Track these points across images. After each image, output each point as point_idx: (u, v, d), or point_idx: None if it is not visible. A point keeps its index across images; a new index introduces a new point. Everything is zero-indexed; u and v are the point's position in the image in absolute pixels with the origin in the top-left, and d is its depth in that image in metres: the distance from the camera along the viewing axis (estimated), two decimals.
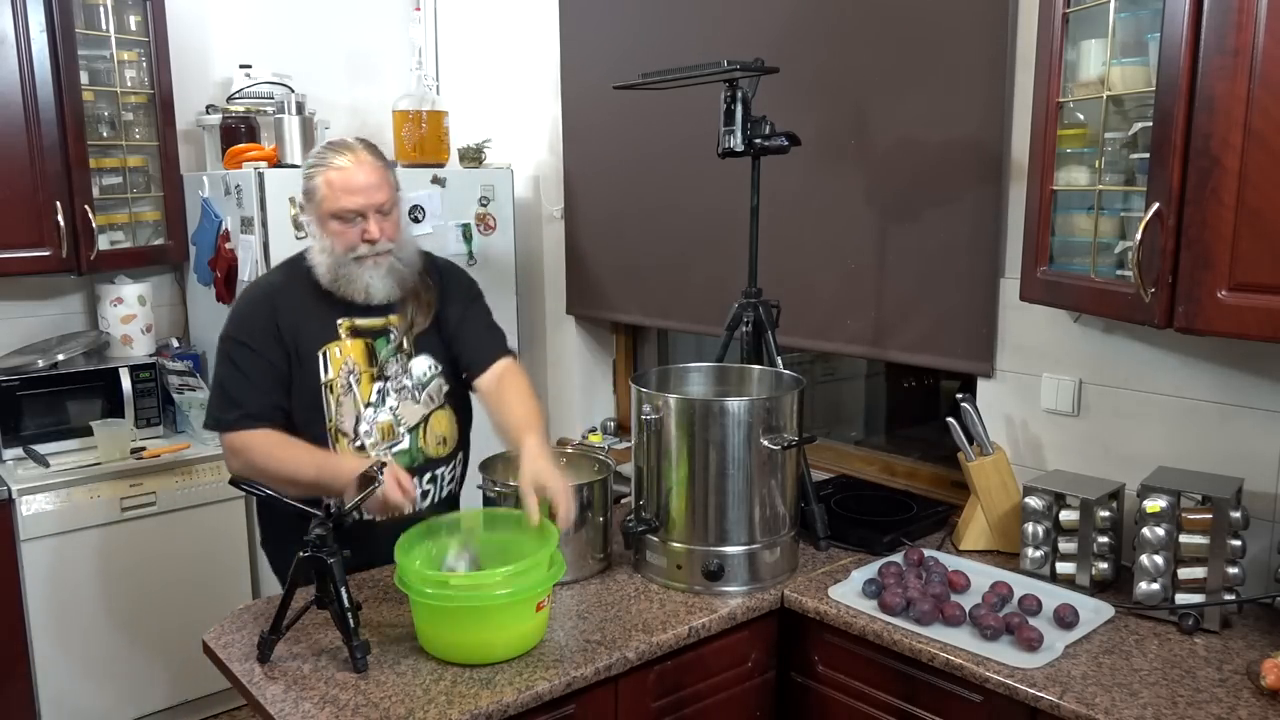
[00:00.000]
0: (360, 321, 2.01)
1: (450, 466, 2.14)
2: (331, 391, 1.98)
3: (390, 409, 2.02)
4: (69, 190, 2.96)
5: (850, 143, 2.52)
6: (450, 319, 2.10)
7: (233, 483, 1.79)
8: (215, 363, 2.01)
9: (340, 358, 1.98)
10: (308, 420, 1.98)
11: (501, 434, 2.01)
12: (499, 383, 2.07)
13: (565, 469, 2.09)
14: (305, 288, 2.00)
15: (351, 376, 1.99)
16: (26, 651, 2.85)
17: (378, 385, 2.01)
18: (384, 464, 1.76)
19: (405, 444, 2.04)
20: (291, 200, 2.94)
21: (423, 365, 2.06)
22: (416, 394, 2.05)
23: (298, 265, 2.04)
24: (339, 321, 1.99)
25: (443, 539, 1.82)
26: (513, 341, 3.45)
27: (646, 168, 3.09)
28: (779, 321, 2.29)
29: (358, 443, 1.99)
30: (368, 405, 2.00)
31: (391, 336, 2.03)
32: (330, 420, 1.98)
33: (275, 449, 1.91)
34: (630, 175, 3.15)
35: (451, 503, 2.17)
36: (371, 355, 2.01)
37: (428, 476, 2.07)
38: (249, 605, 1.93)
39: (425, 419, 2.06)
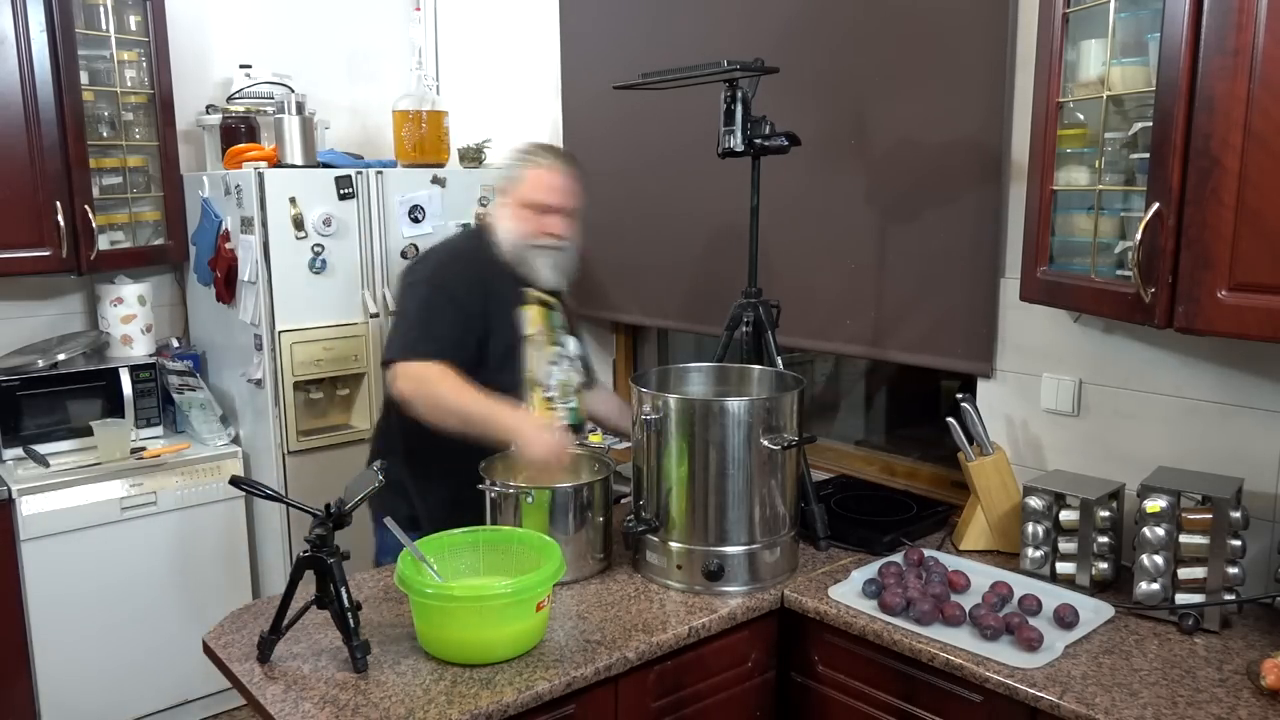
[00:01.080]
0: (539, 293, 2.28)
1: (582, 437, 2.46)
2: (531, 344, 2.23)
3: (564, 370, 2.31)
4: (69, 190, 2.96)
5: (850, 143, 2.52)
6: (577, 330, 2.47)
7: (233, 482, 1.79)
8: (407, 303, 2.19)
9: (534, 317, 2.25)
10: (502, 369, 2.18)
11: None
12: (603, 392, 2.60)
13: (565, 469, 2.09)
14: (490, 256, 2.23)
15: (541, 335, 2.25)
16: (26, 651, 2.86)
17: (554, 349, 2.30)
18: (386, 465, 1.76)
19: (574, 402, 2.34)
20: (292, 200, 2.94)
21: (574, 343, 2.39)
22: (575, 364, 2.37)
23: (479, 237, 2.30)
24: (525, 289, 2.25)
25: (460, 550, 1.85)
26: None
27: (646, 168, 3.09)
28: (779, 321, 2.29)
29: (548, 393, 2.26)
30: (551, 363, 2.28)
31: (557, 312, 2.33)
32: (529, 370, 2.23)
33: (459, 383, 2.05)
34: (630, 175, 3.15)
35: None
36: (548, 321, 2.29)
37: (578, 439, 2.37)
38: (249, 605, 1.93)
39: (579, 388, 2.37)
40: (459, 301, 2.14)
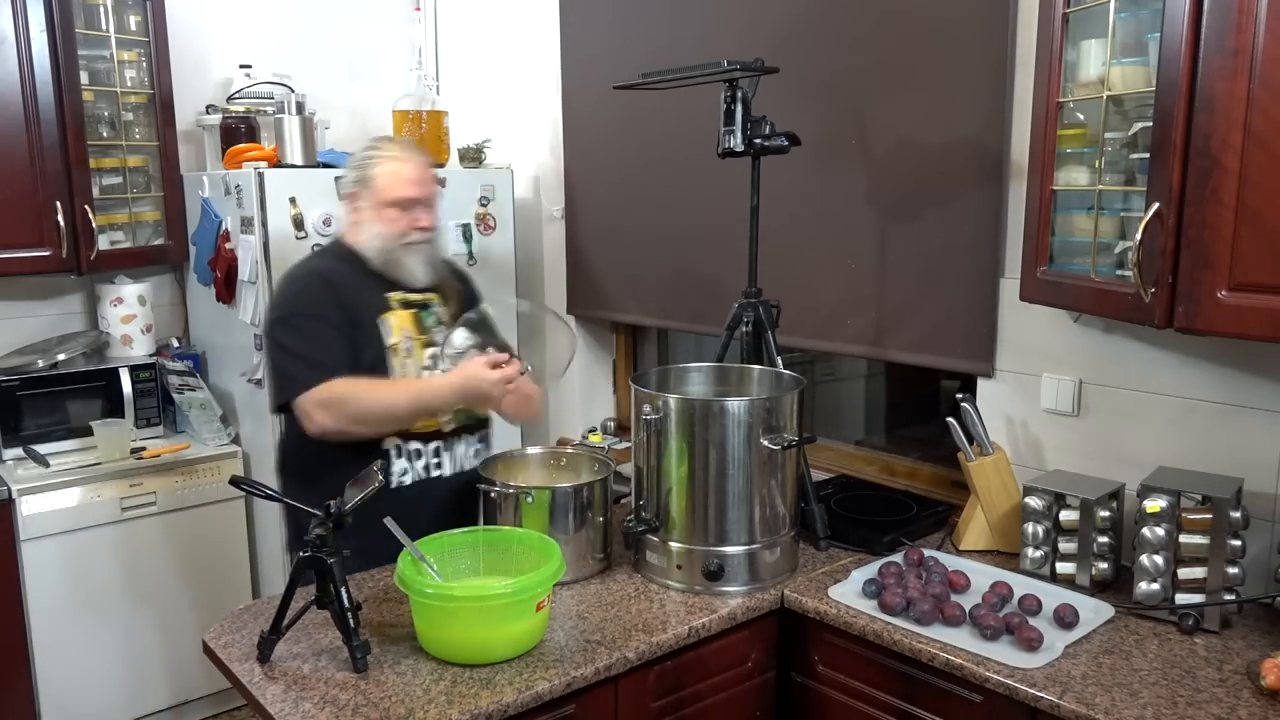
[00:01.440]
0: (407, 295, 2.17)
1: (486, 430, 2.30)
2: (395, 354, 2.12)
3: (442, 371, 2.16)
4: (69, 190, 2.96)
5: (850, 143, 2.52)
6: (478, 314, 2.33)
7: (232, 482, 1.79)
8: (277, 341, 2.08)
9: (398, 324, 2.13)
10: None
11: None
12: None
13: (565, 469, 2.09)
14: (349, 268, 2.15)
15: (410, 342, 2.14)
16: (27, 651, 2.86)
17: (429, 350, 2.17)
18: (386, 465, 1.76)
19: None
20: (292, 200, 2.95)
21: (461, 336, 2.23)
22: (459, 361, 2.20)
23: (334, 251, 2.21)
24: (388, 295, 2.15)
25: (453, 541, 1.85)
26: (513, 341, 3.46)
27: (647, 168, 3.09)
28: (779, 321, 2.29)
29: None
30: (424, 368, 2.15)
31: (433, 309, 2.20)
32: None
33: (366, 389, 2.02)
34: (630, 175, 3.15)
35: (468, 479, 2.21)
36: (419, 324, 2.17)
37: (477, 436, 2.26)
38: (249, 605, 1.93)
39: None
40: (327, 322, 2.05)
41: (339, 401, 1.98)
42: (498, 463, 2.11)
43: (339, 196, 2.27)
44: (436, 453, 2.16)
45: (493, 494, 1.99)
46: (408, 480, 2.12)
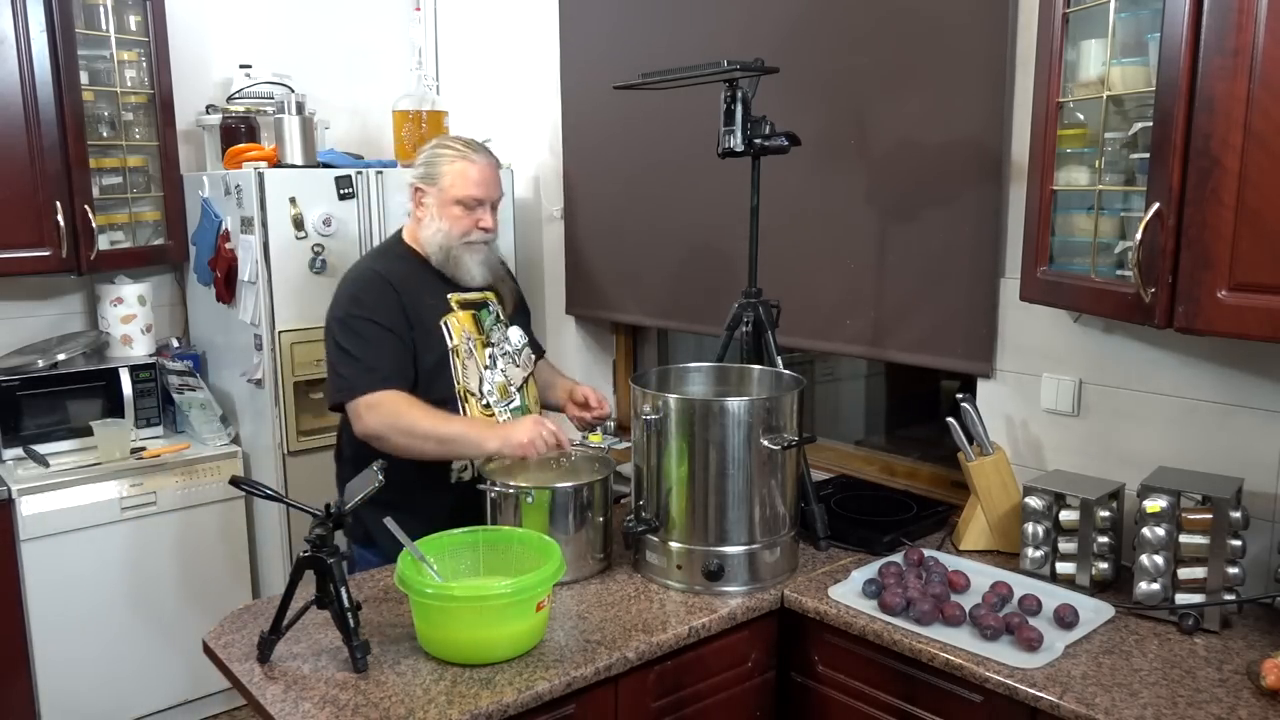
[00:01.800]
0: (465, 296, 2.22)
1: None
2: (457, 356, 2.16)
3: (502, 371, 2.24)
4: (69, 190, 2.96)
5: (850, 143, 2.52)
6: (526, 310, 2.44)
7: (232, 482, 1.79)
8: (336, 342, 2.11)
9: (458, 326, 2.18)
10: (436, 385, 2.13)
11: (547, 389, 2.41)
12: (544, 364, 2.50)
13: (565, 469, 2.09)
14: (410, 268, 2.18)
15: (470, 342, 2.19)
16: (26, 651, 2.86)
17: (488, 350, 2.23)
18: (385, 465, 1.76)
19: (518, 401, 2.26)
20: (292, 200, 2.95)
21: (517, 334, 2.32)
22: (517, 359, 2.30)
23: (393, 250, 2.24)
24: (449, 296, 2.19)
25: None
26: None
27: (646, 168, 3.09)
28: (779, 321, 2.29)
29: (483, 401, 2.19)
30: (485, 368, 2.21)
31: (491, 308, 2.27)
32: (459, 383, 2.16)
33: (418, 407, 2.04)
34: (630, 175, 3.15)
35: None
36: (479, 324, 2.22)
37: None
38: (249, 605, 1.93)
39: (525, 381, 2.31)
40: (388, 328, 2.09)
41: (393, 411, 2.02)
42: (498, 462, 2.11)
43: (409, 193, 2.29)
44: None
45: (493, 494, 1.99)
46: (466, 477, 2.16)
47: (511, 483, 1.98)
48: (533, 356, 2.36)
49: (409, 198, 2.22)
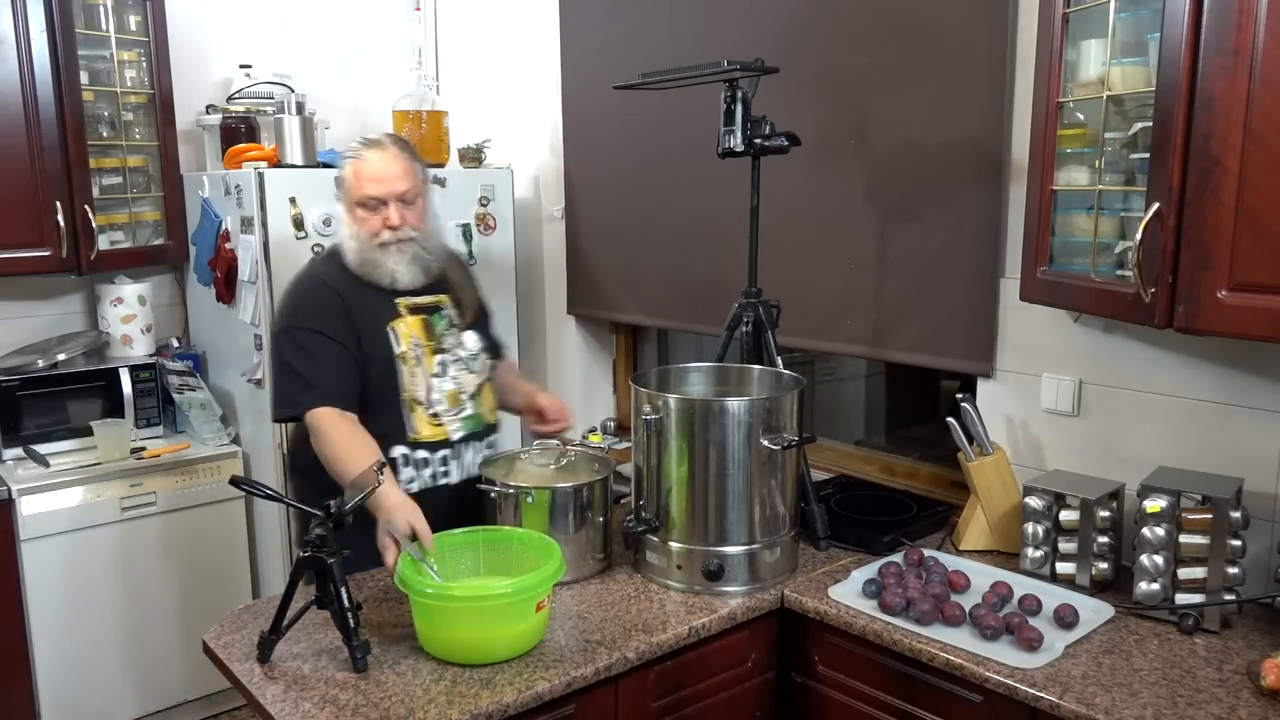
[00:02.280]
0: (415, 300, 2.14)
1: (494, 436, 2.28)
2: (404, 363, 2.09)
3: (453, 378, 2.15)
4: (69, 190, 2.96)
5: (850, 143, 2.52)
6: (486, 309, 2.35)
7: (232, 482, 1.79)
8: (280, 354, 2.06)
9: (406, 331, 2.10)
10: (383, 393, 2.07)
11: (507, 393, 2.33)
12: (507, 366, 2.44)
13: (565, 469, 2.09)
14: (349, 275, 2.11)
15: (419, 349, 2.11)
16: (26, 651, 2.85)
17: (439, 357, 2.14)
18: (384, 463, 1.76)
19: (470, 410, 2.18)
20: (292, 200, 2.95)
21: (472, 340, 2.22)
22: (471, 365, 2.20)
23: (337, 257, 2.16)
24: (397, 300, 2.12)
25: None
26: (513, 341, 3.46)
27: (646, 168, 3.09)
28: (779, 321, 2.29)
29: (430, 410, 2.12)
30: (434, 375, 2.12)
31: (444, 313, 2.18)
32: (405, 390, 2.09)
33: (343, 433, 1.97)
34: (630, 175, 3.15)
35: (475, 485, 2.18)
36: (429, 330, 2.14)
37: (485, 442, 2.23)
38: (249, 605, 1.93)
39: (480, 388, 2.21)
40: (332, 338, 2.02)
41: (317, 432, 1.96)
42: (498, 463, 2.11)
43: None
44: (444, 461, 2.14)
45: (493, 494, 1.99)
46: (414, 488, 2.08)
47: (512, 483, 1.98)
48: (490, 362, 2.27)
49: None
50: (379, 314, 2.09)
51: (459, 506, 2.09)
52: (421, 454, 2.10)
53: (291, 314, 2.09)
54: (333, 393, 2.00)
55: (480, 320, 2.28)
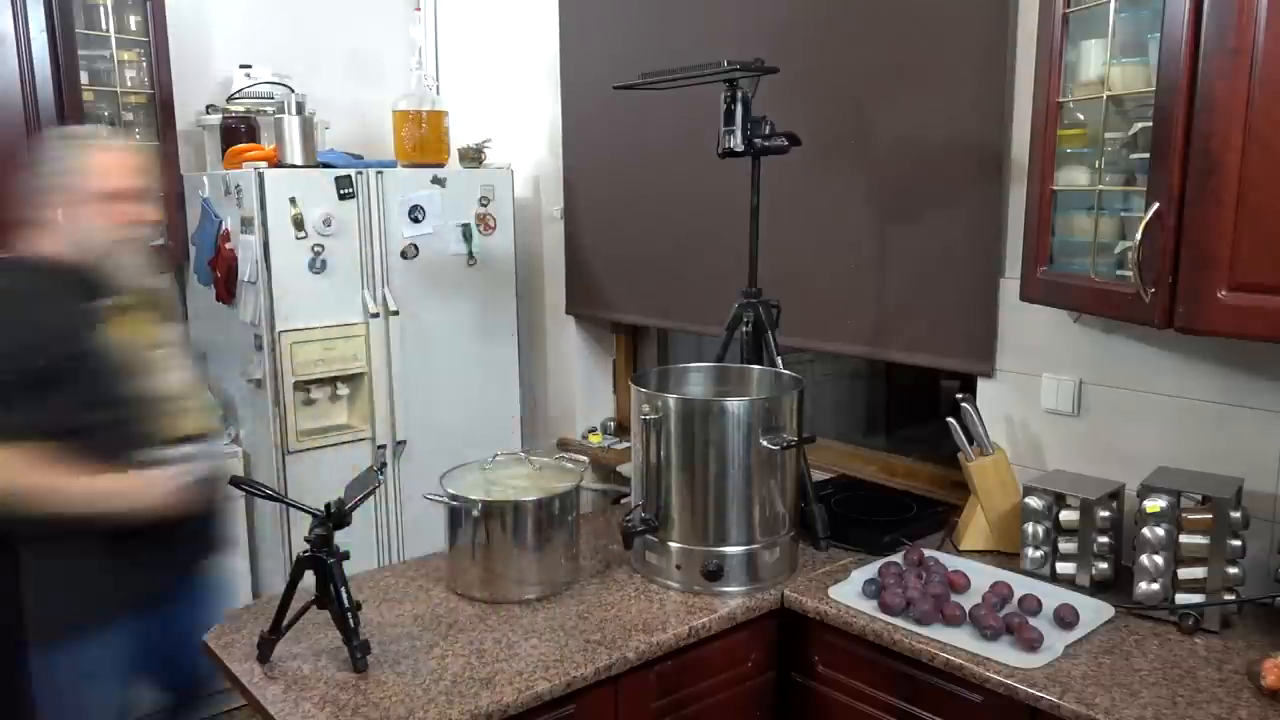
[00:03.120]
0: (119, 300, 1.95)
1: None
2: (129, 367, 1.92)
3: (180, 368, 2.07)
4: None
5: (850, 143, 2.52)
6: None
7: (232, 482, 1.79)
8: None
9: (122, 333, 1.93)
10: (113, 404, 1.89)
11: None
12: None
13: (535, 479, 2.04)
14: (38, 286, 1.90)
15: (139, 347, 1.95)
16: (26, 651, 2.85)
17: (161, 352, 2.02)
18: (385, 463, 1.76)
19: (211, 398, 2.15)
20: (292, 200, 2.95)
21: (177, 332, 2.14)
22: (183, 353, 2.13)
23: (15, 271, 1.94)
24: (96, 305, 1.92)
25: None
26: (513, 341, 3.47)
27: (646, 168, 3.09)
28: (779, 321, 2.29)
29: (178, 404, 2.00)
30: (165, 370, 2.00)
31: (149, 308, 2.04)
32: (141, 391, 1.92)
33: (49, 467, 1.78)
34: (630, 175, 3.15)
35: None
36: (142, 328, 2.00)
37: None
38: (249, 605, 1.93)
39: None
40: (11, 359, 1.78)
41: (13, 474, 1.74)
42: (464, 473, 2.03)
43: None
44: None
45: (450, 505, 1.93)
46: None
47: (468, 495, 1.91)
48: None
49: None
50: (86, 320, 1.89)
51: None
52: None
53: None
54: (25, 426, 1.78)
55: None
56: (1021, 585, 1.93)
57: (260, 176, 2.91)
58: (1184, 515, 1.78)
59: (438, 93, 3.73)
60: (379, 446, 3.16)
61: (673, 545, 1.97)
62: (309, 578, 1.69)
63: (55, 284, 1.89)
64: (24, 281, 1.90)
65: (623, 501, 2.29)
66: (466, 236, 3.28)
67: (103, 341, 1.88)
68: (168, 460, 1.89)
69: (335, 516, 1.68)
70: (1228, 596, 1.76)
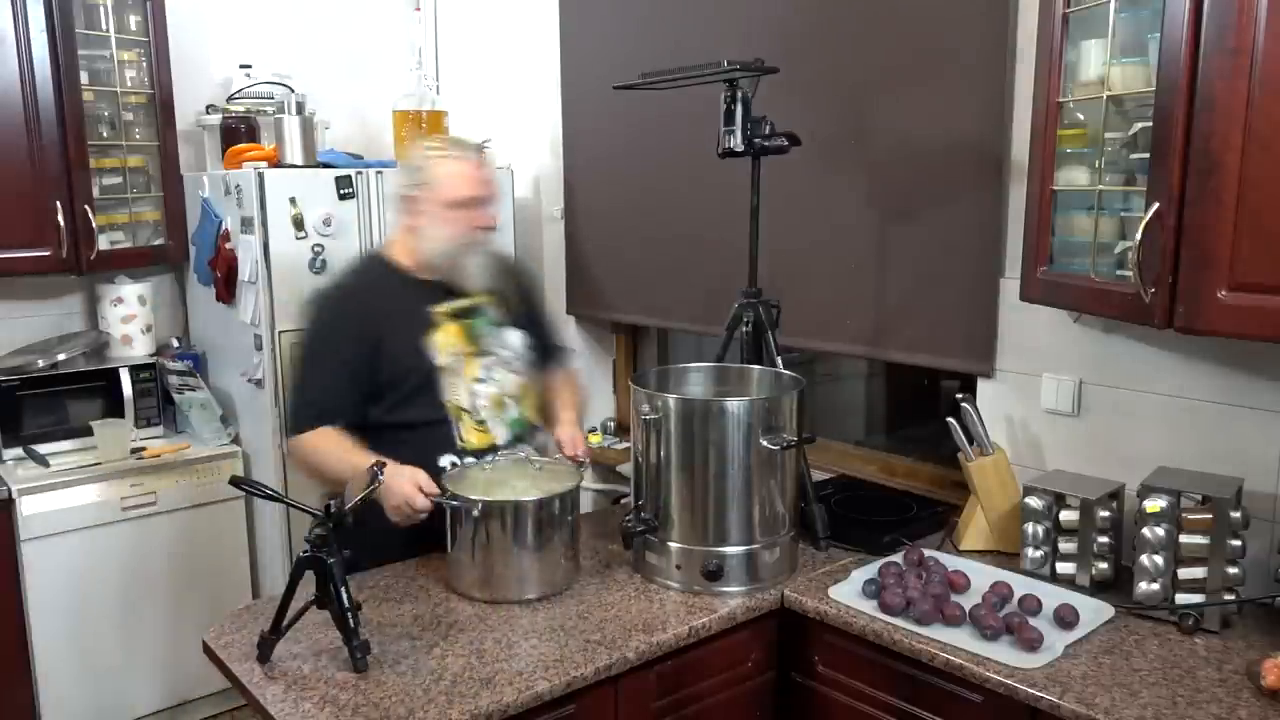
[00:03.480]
0: (454, 305, 2.13)
1: (541, 436, 2.28)
2: (445, 374, 2.09)
3: (495, 381, 2.16)
4: (69, 190, 2.96)
5: (850, 143, 2.52)
6: (535, 308, 2.35)
7: (232, 482, 1.79)
8: (295, 366, 2.12)
9: (446, 341, 2.10)
10: (416, 403, 2.08)
11: (546, 409, 2.27)
12: (564, 375, 2.39)
13: (541, 477, 2.05)
14: (388, 284, 2.11)
15: (459, 359, 2.11)
16: (27, 651, 2.85)
17: (481, 361, 2.14)
18: (384, 463, 1.76)
19: (514, 412, 2.19)
20: (292, 200, 2.94)
21: (516, 338, 2.22)
22: (513, 364, 2.20)
23: (374, 264, 2.17)
24: (433, 309, 2.11)
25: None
26: None
27: (646, 168, 3.09)
28: (779, 321, 2.29)
29: (477, 417, 2.12)
30: (477, 381, 2.13)
31: (485, 312, 2.17)
32: (449, 399, 2.10)
33: (325, 447, 2.01)
34: (630, 175, 3.15)
35: None
36: (470, 336, 2.14)
37: (531, 443, 2.23)
38: (249, 605, 1.93)
39: (523, 389, 2.21)
40: (340, 352, 2.03)
41: (305, 451, 2.04)
42: (464, 474, 2.03)
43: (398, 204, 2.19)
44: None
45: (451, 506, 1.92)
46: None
47: (463, 495, 1.92)
48: (533, 360, 2.25)
49: (399, 209, 2.16)
50: (410, 327, 2.08)
51: (403, 541, 2.05)
52: (469, 461, 2.09)
53: (308, 327, 2.10)
54: (329, 406, 2.03)
55: (529, 321, 2.28)
56: (1021, 585, 1.93)
57: (260, 176, 2.91)
58: (1184, 515, 1.78)
59: (438, 93, 3.73)
60: None
61: (672, 545, 1.97)
62: (309, 578, 1.69)
63: (399, 285, 2.09)
64: (376, 281, 2.11)
65: (623, 501, 2.28)
66: None
67: (429, 344, 2.08)
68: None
69: (335, 516, 1.68)
70: (1228, 596, 1.76)
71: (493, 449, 2.13)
